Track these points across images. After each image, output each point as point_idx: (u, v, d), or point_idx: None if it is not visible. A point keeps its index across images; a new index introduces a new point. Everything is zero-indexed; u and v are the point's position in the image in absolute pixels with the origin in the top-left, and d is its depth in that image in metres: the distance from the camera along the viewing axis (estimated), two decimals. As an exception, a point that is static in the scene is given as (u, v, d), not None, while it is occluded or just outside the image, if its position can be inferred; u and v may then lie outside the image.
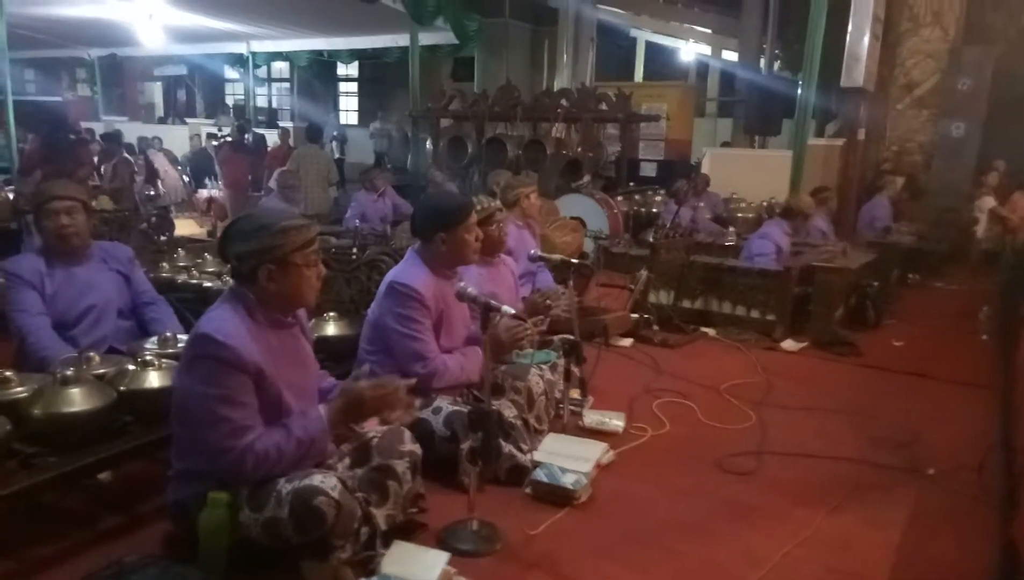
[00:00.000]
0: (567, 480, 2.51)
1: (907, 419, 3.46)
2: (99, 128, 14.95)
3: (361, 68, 17.28)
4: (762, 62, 10.68)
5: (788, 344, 4.75)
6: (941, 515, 2.58)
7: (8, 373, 2.18)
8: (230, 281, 3.85)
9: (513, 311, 2.28)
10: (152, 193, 9.85)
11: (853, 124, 9.11)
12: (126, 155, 10.16)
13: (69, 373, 2.12)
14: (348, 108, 18.12)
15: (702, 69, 14.51)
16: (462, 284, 2.43)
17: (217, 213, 10.26)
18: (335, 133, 13.95)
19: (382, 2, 9.05)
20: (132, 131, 14.37)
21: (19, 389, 2.13)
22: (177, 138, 14.00)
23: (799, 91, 10.50)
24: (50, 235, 2.76)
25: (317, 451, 2.01)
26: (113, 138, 9.86)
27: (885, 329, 5.23)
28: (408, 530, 2.25)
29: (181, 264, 4.34)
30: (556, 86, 11.07)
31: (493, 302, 2.19)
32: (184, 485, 1.98)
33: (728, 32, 12.49)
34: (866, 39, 7.88)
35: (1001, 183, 8.71)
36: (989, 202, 8.54)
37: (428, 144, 10.15)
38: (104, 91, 16.98)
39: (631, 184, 9.00)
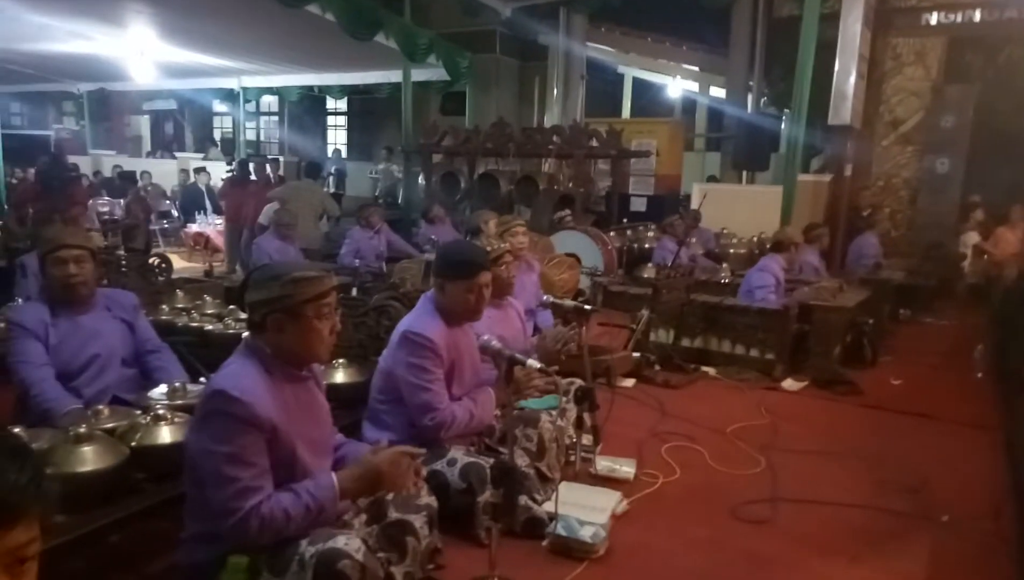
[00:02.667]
0: (586, 533, 2.48)
1: (914, 462, 3.47)
2: (87, 162, 14.90)
3: (350, 103, 17.37)
4: (749, 99, 10.86)
5: (788, 383, 4.76)
6: (960, 565, 2.57)
7: (17, 430, 2.12)
8: (231, 323, 3.85)
9: (539, 365, 2.27)
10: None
11: (840, 160, 9.26)
12: (141, 193, 10.13)
13: (82, 430, 2.07)
14: (337, 142, 18.16)
15: (688, 105, 14.73)
16: (485, 337, 2.41)
17: (206, 246, 10.23)
18: (333, 168, 13.88)
19: (376, 40, 9.12)
20: (115, 164, 14.35)
21: (28, 447, 2.06)
22: (165, 172, 13.98)
23: (783, 126, 10.78)
24: (57, 284, 2.71)
25: (326, 518, 1.95)
26: (127, 177, 9.85)
27: (882, 367, 5.26)
28: (427, 588, 2.20)
29: (180, 306, 4.29)
30: (546, 121, 11.18)
31: (518, 355, 2.17)
32: (200, 548, 1.92)
33: (715, 69, 12.71)
34: (852, 78, 8.08)
35: (985, 218, 8.88)
36: (973, 237, 8.69)
37: (421, 179, 10.20)
38: (92, 125, 16.91)
39: (624, 220, 9.05)
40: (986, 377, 5.06)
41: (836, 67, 8.09)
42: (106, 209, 11.34)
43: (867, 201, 9.48)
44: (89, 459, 2.02)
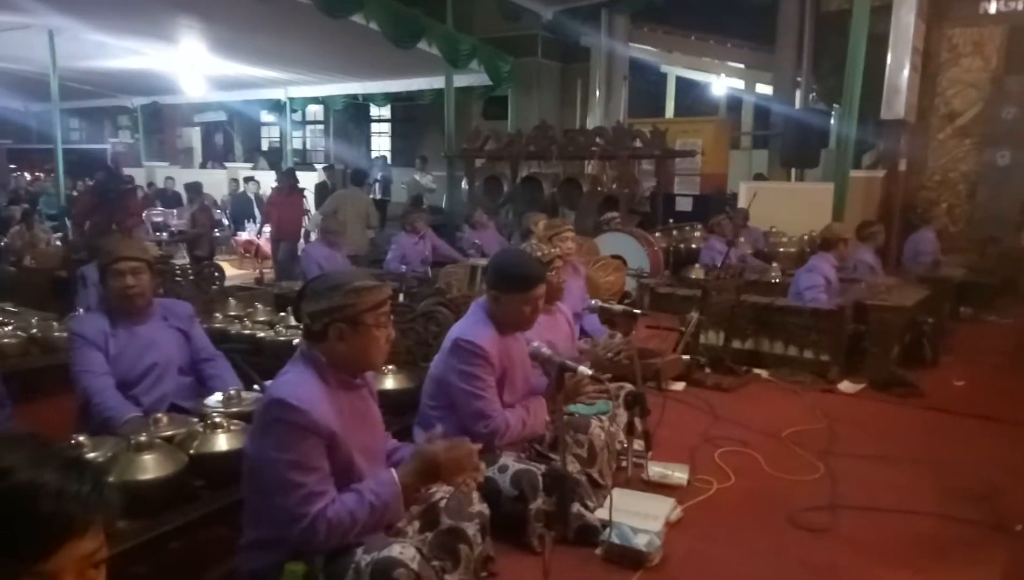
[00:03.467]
0: (640, 541, 2.43)
1: (982, 468, 3.33)
2: (141, 173, 15.39)
3: (393, 109, 17.56)
4: (797, 95, 10.62)
5: (845, 386, 4.63)
6: (1037, 577, 2.46)
7: (81, 438, 2.18)
8: (282, 330, 3.90)
9: (590, 372, 2.24)
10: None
11: (893, 155, 8.98)
12: (206, 202, 10.40)
13: (143, 439, 2.11)
14: (380, 148, 18.39)
15: (734, 102, 14.49)
16: (535, 344, 2.39)
17: (258, 254, 10.47)
18: (379, 175, 14.07)
19: (418, 47, 9.19)
20: (174, 176, 14.75)
21: (92, 455, 2.12)
22: (216, 182, 14.33)
23: (832, 122, 10.50)
24: (115, 295, 2.78)
25: (391, 516, 1.96)
26: (193, 188, 10.16)
27: (943, 367, 5.08)
28: (480, 596, 2.19)
29: (232, 314, 4.38)
30: (589, 123, 11.11)
31: (569, 362, 2.15)
32: (257, 555, 1.94)
33: (761, 66, 12.48)
34: (906, 71, 7.84)
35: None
36: (1038, 232, 8.33)
37: (464, 183, 10.23)
38: (145, 137, 17.46)
39: (670, 220, 8.93)
40: (1056, 378, 4.84)
41: (888, 60, 7.85)
42: (160, 219, 11.68)
43: (923, 197, 9.17)
44: (150, 467, 2.07)
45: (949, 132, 9.10)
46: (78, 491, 0.90)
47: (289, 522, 1.84)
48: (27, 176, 15.28)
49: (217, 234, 12.05)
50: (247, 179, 13.12)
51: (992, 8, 8.73)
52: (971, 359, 5.28)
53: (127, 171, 14.32)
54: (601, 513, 2.60)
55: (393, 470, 1.98)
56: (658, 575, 2.41)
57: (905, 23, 7.84)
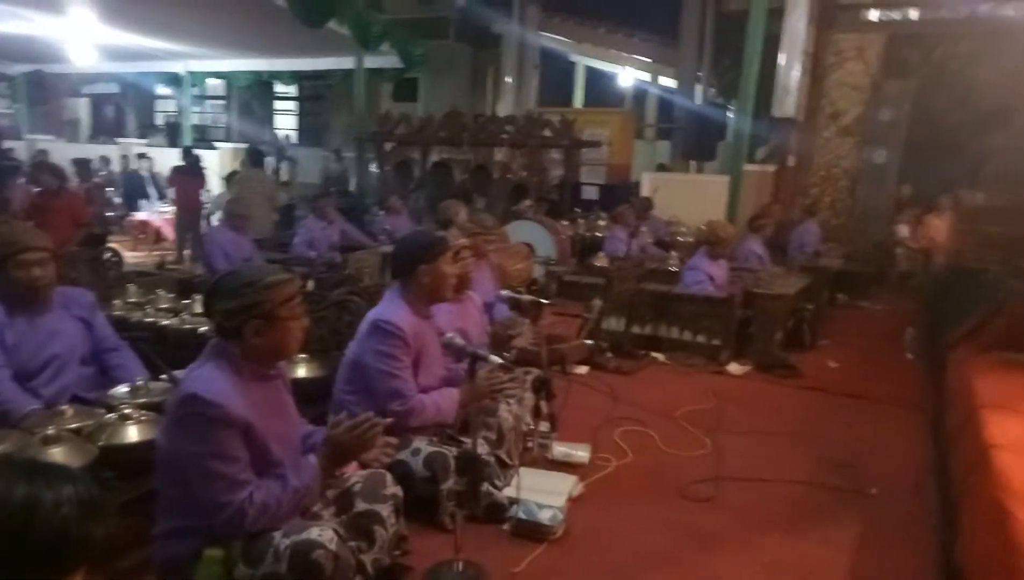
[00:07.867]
0: (544, 516, 2.61)
1: (848, 440, 3.72)
2: (22, 147, 14.34)
3: (300, 88, 17.08)
4: (698, 90, 11.11)
5: (733, 368, 4.99)
6: (886, 535, 2.80)
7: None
8: (187, 318, 3.82)
9: (500, 361, 2.37)
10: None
11: (783, 151, 9.59)
12: (96, 180, 9.80)
13: (50, 432, 2.09)
14: (285, 127, 17.87)
15: (640, 94, 14.97)
16: (449, 335, 2.50)
17: (156, 237, 10.05)
18: (287, 156, 13.65)
19: (328, 26, 9.02)
20: (58, 150, 13.83)
21: (-4, 448, 2.09)
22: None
23: (729, 116, 11.04)
24: (21, 287, 2.66)
25: (310, 499, 2.05)
26: (84, 164, 9.54)
27: (820, 350, 5.55)
28: (394, 573, 2.30)
29: (133, 300, 4.24)
30: (499, 110, 11.24)
31: (481, 351, 2.28)
32: (175, 542, 1.98)
33: (666, 60, 12.95)
34: (796, 72, 8.38)
35: (919, 210, 9.27)
36: (903, 230, 9.08)
37: (373, 167, 10.16)
38: (28, 108, 16.23)
39: (576, 209, 9.19)
40: (916, 359, 5.39)
41: (781, 62, 8.36)
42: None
43: (809, 191, 9.82)
44: (59, 460, 2.05)
45: (833, 131, 9.77)
46: (99, 536, 0.98)
47: (214, 510, 1.89)
48: None
49: (109, 214, 11.46)
50: (140, 156, 12.47)
51: (873, 16, 9.41)
52: (845, 343, 5.80)
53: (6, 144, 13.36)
54: (509, 491, 2.76)
55: (311, 456, 2.07)
56: (561, 547, 2.60)
57: (796, 27, 8.37)
